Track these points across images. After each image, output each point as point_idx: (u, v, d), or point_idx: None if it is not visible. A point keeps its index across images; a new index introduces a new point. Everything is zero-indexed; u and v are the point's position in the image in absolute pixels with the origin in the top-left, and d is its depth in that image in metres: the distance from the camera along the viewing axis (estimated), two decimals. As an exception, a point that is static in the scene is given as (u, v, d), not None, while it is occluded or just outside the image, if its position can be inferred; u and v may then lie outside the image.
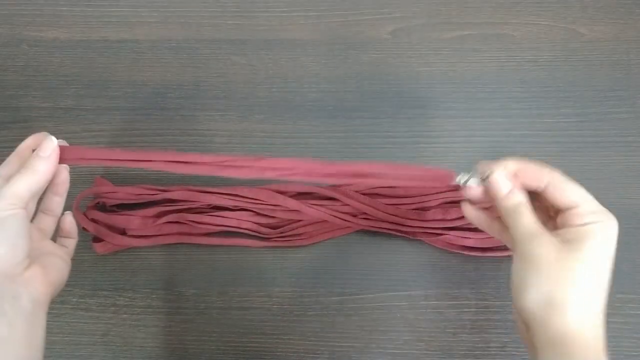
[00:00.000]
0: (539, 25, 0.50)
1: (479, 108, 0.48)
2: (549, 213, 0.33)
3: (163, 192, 0.44)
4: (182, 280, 0.44)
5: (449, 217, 0.42)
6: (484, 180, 0.32)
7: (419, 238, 0.44)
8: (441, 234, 0.43)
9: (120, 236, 0.44)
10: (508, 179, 0.32)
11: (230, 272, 0.44)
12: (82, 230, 0.44)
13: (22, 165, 0.32)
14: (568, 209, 0.30)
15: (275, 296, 0.44)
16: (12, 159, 0.33)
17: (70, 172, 0.47)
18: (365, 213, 0.43)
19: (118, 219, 0.44)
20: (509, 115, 0.47)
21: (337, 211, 0.43)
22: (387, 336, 0.42)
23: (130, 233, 0.44)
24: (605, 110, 0.47)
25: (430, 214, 0.43)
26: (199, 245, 0.44)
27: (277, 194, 0.43)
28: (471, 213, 0.35)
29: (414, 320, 0.43)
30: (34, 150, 0.33)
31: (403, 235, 0.44)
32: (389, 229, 0.43)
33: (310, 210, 0.43)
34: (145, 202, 0.44)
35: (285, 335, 0.43)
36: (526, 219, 0.30)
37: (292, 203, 0.43)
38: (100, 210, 0.44)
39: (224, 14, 0.51)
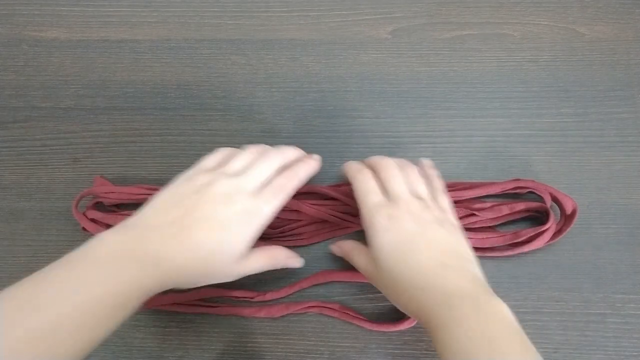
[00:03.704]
0: (539, 25, 0.50)
1: (479, 108, 0.48)
2: None
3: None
4: (182, 280, 0.44)
5: (449, 217, 0.42)
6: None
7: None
8: (441, 234, 0.43)
9: (120, 236, 0.43)
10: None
11: (230, 272, 0.44)
12: (82, 230, 0.44)
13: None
14: None
15: (275, 296, 0.44)
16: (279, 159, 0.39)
17: (69, 171, 0.47)
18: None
19: (118, 219, 0.43)
20: (509, 115, 0.47)
21: (337, 211, 0.43)
22: (387, 336, 0.42)
23: (130, 233, 0.44)
24: (606, 110, 0.47)
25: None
26: (198, 245, 0.44)
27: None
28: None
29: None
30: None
31: (403, 235, 0.44)
32: (389, 229, 0.43)
33: (310, 210, 0.43)
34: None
35: (285, 335, 0.43)
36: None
37: (292, 203, 0.43)
38: (100, 210, 0.44)
39: (224, 14, 0.51)
